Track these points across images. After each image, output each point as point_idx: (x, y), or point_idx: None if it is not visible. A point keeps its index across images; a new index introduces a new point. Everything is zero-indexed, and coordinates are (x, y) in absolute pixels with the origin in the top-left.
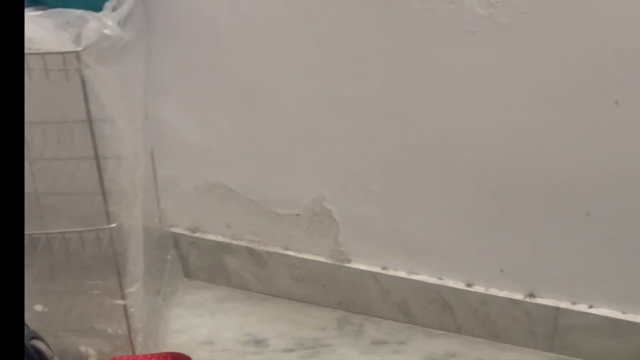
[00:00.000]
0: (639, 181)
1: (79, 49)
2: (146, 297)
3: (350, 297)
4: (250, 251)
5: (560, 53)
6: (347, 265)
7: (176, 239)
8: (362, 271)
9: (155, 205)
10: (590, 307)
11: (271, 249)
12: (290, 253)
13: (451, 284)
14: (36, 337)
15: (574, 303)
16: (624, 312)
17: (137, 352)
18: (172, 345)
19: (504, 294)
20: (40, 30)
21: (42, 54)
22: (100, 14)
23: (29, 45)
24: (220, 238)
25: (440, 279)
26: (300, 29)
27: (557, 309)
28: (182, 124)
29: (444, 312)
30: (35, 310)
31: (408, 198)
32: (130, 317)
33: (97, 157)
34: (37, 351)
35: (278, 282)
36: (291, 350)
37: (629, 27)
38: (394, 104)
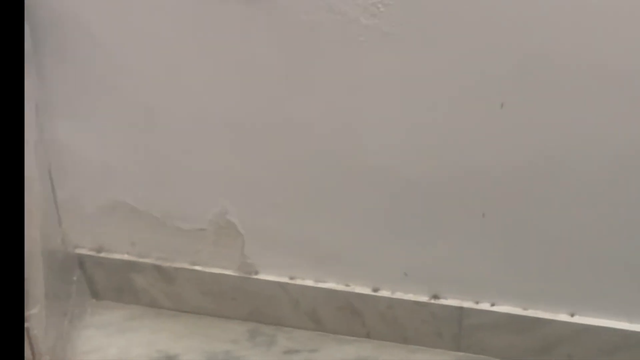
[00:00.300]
0: (527, 180)
1: None
2: (51, 319)
3: (260, 309)
4: (158, 268)
5: (447, 59)
6: (255, 277)
7: (81, 260)
8: (270, 282)
9: (57, 227)
10: (493, 305)
11: (178, 264)
12: (198, 268)
13: (358, 289)
14: None
15: (477, 302)
16: (524, 309)
17: None
18: None
19: (410, 297)
20: None
21: None
22: None
23: None
24: (126, 257)
25: (347, 285)
26: (193, 45)
27: (461, 308)
28: (80, 144)
29: (353, 318)
30: None
31: (311, 207)
32: (33, 340)
33: None
34: None
35: (187, 298)
36: None
37: (513, 33)
38: (289, 115)
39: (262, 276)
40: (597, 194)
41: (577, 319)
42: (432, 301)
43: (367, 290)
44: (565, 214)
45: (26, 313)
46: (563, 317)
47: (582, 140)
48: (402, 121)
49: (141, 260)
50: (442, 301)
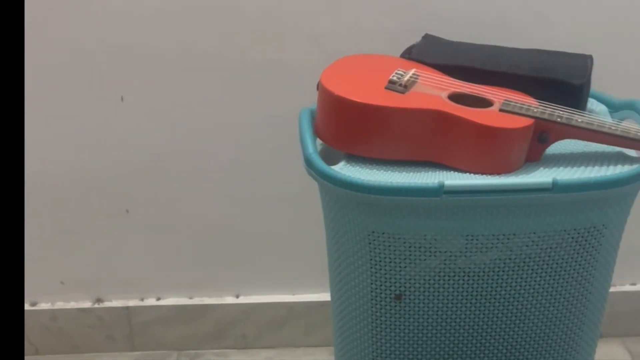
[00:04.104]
0: (164, 170)
1: None
2: None
3: None
4: None
5: (58, 57)
6: None
7: None
8: None
9: None
10: (158, 299)
11: None
12: None
13: None
14: None
15: (142, 299)
16: (190, 298)
17: None
18: None
19: (72, 305)
20: None
21: None
22: None
23: None
24: None
25: None
26: None
27: (128, 308)
28: None
29: None
30: None
31: None
32: None
33: None
34: None
35: None
36: None
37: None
38: None
39: None
40: (238, 174)
41: (243, 300)
42: (97, 305)
43: (25, 306)
44: (208, 200)
45: None
46: (229, 299)
47: (211, 126)
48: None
49: None
50: (107, 304)
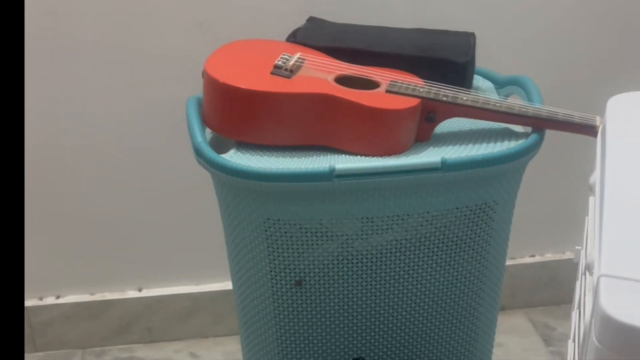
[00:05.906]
0: (48, 162)
1: None
2: None
3: None
4: None
5: None
6: None
7: None
8: None
9: None
10: (58, 297)
11: None
12: None
13: None
14: None
15: (41, 298)
16: (92, 294)
17: None
18: None
19: None
20: None
21: None
22: None
23: None
24: None
25: None
26: None
27: (26, 308)
28: None
29: None
30: None
31: None
32: None
33: None
34: None
35: None
36: None
37: None
38: None
39: None
40: (131, 167)
41: (146, 293)
42: None
43: None
44: (103, 193)
45: None
46: (132, 293)
47: (98, 117)
48: None
49: None
50: None
